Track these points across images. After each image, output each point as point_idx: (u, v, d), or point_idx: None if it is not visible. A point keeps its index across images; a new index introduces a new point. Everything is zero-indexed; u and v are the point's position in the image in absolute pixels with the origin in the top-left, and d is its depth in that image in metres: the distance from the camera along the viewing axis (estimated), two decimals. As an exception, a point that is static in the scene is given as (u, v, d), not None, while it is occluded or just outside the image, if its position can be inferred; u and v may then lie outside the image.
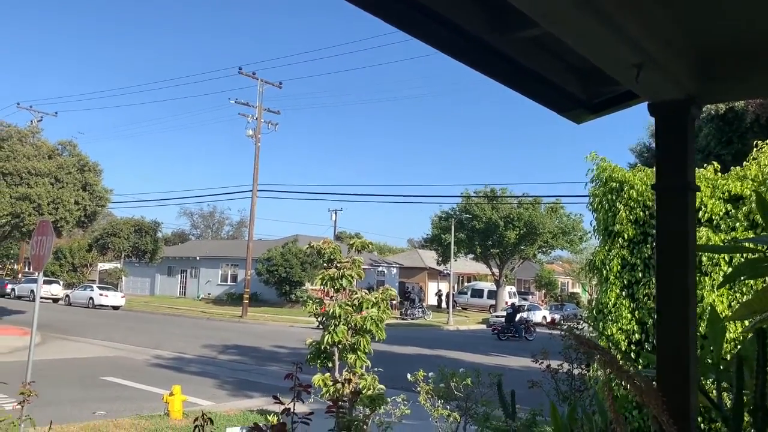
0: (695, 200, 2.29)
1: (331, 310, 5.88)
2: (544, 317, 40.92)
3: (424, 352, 22.57)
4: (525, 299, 52.39)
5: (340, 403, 4.79)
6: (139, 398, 12.97)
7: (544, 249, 50.72)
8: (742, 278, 4.09)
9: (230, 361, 19.81)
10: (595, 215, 6.40)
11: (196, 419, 2.58)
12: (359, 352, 5.86)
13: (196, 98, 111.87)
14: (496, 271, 50.89)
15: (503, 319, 33.10)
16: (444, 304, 49.47)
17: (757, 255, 2.45)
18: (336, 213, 59.36)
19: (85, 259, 51.51)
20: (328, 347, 5.92)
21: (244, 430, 5.48)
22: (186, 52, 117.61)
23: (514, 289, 56.04)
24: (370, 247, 6.95)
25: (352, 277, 6.09)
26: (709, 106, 15.99)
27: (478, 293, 54.60)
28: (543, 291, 65.41)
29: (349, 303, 5.98)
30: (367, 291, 6.57)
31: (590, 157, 6.41)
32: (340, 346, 5.89)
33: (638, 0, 1.72)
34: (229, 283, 53.25)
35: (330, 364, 5.99)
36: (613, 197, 6.17)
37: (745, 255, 4.80)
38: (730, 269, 5.43)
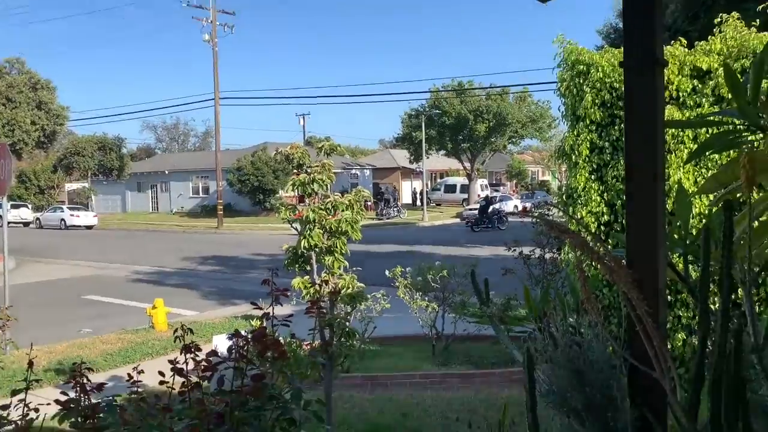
0: (663, 76, 2.24)
1: (305, 215, 5.88)
2: (516, 207, 41.71)
3: (401, 249, 23.04)
4: (497, 191, 53.17)
5: (321, 303, 4.88)
6: (122, 314, 13.16)
7: (513, 139, 50.96)
8: (708, 152, 4.13)
9: (210, 272, 20.03)
10: (563, 100, 6.35)
11: (175, 330, 2.59)
12: (336, 254, 5.91)
13: (148, 4, 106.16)
14: (467, 165, 51.25)
15: (476, 212, 33.73)
16: (419, 202, 50.04)
17: (723, 128, 2.44)
18: (304, 117, 58.51)
19: (51, 181, 50.48)
20: (304, 251, 5.95)
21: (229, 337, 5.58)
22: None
23: (486, 181, 56.73)
24: (339, 150, 6.85)
25: (323, 181, 6.04)
26: (675, -19, 15.63)
27: (451, 188, 55.22)
28: (514, 181, 66.31)
29: (323, 207, 5.97)
30: (340, 194, 6.55)
31: (557, 41, 6.27)
32: (316, 249, 5.92)
33: None
34: (201, 195, 52.91)
35: (308, 268, 6.05)
36: (581, 81, 6.10)
37: (710, 130, 4.84)
38: (695, 146, 5.50)
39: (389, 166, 59.59)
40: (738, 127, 2.33)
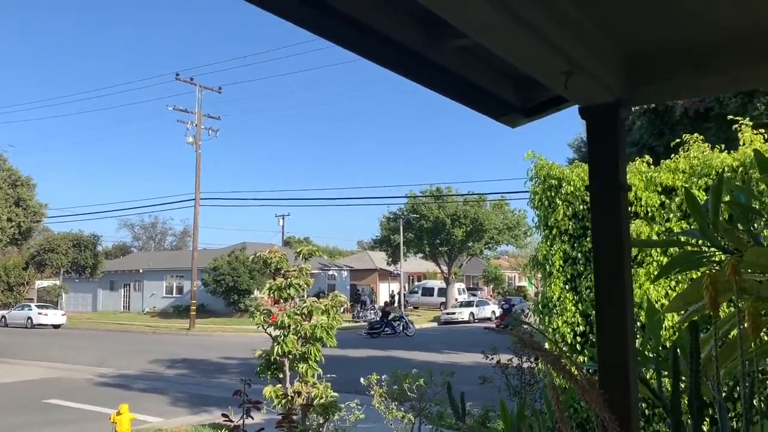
0: (627, 200, 2.36)
1: (280, 320, 5.83)
2: (493, 312, 41.58)
3: (377, 353, 22.60)
4: (474, 295, 53.09)
5: (292, 414, 4.75)
6: (85, 419, 12.54)
7: (490, 245, 51.58)
8: (675, 271, 4.25)
9: (179, 376, 19.36)
10: (536, 212, 6.55)
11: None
12: (310, 361, 5.82)
13: (133, 106, 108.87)
14: (445, 268, 51.43)
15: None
16: (396, 304, 49.68)
17: (688, 248, 2.55)
18: (283, 218, 58.92)
19: (22, 278, 49.34)
20: (278, 358, 5.86)
21: (195, 447, 5.36)
22: (119, 59, 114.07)
23: (463, 285, 56.75)
24: (318, 253, 6.92)
25: (300, 286, 6.05)
26: (640, 100, 16.59)
27: (428, 292, 55.05)
28: (491, 286, 66.41)
29: (298, 312, 5.94)
30: (316, 298, 6.54)
31: (528, 156, 6.56)
32: (290, 356, 5.84)
33: (566, 12, 1.76)
34: (174, 295, 51.95)
35: (281, 375, 5.93)
36: (552, 194, 6.32)
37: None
38: (664, 258, 5.64)
39: (367, 268, 59.53)
40: (702, 247, 2.43)
